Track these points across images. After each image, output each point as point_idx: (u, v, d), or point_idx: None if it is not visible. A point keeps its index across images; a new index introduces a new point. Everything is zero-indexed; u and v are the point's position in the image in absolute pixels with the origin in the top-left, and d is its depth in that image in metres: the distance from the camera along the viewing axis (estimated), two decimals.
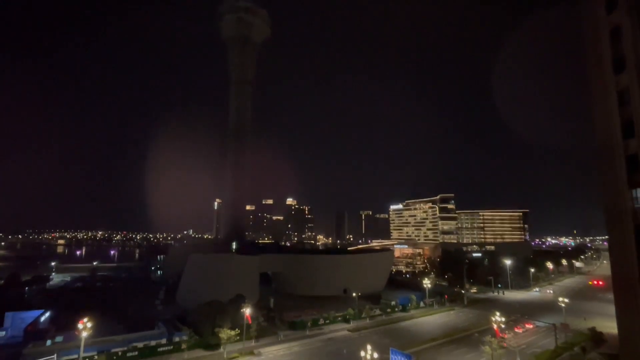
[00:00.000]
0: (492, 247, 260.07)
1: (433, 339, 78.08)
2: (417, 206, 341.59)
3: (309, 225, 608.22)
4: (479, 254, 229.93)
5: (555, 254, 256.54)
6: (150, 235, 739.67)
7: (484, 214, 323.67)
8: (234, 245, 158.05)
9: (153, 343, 67.88)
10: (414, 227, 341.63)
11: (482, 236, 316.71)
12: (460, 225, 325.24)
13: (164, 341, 69.06)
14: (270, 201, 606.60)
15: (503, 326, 66.88)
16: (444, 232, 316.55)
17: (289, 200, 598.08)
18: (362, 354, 45.06)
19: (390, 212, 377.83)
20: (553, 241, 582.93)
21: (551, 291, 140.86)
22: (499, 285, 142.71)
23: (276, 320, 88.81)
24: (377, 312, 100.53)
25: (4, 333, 73.67)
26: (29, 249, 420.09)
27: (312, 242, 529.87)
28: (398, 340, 75.91)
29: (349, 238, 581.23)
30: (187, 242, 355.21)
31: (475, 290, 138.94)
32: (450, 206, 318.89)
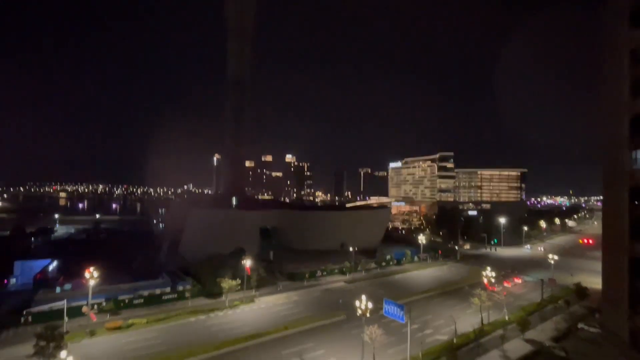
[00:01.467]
0: (488, 206, 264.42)
1: (425, 291, 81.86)
2: (416, 164, 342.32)
3: (308, 182, 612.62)
4: (475, 212, 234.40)
5: (549, 213, 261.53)
6: (151, 190, 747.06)
7: (482, 173, 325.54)
8: (234, 201, 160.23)
9: (158, 291, 71.08)
10: (412, 185, 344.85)
11: (478, 195, 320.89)
12: (457, 184, 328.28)
13: (168, 290, 72.31)
14: (269, 158, 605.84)
15: (493, 280, 69.77)
16: (442, 191, 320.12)
17: (288, 157, 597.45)
18: (357, 303, 47.44)
19: (389, 170, 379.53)
20: (548, 201, 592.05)
21: (542, 249, 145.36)
22: (492, 242, 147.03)
23: (275, 272, 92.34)
24: (373, 265, 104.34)
25: (14, 280, 76.86)
26: (31, 202, 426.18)
27: (311, 198, 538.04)
28: (392, 291, 79.54)
29: (348, 195, 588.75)
30: (187, 197, 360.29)
31: (468, 247, 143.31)
32: (449, 165, 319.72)
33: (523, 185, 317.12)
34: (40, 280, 77.50)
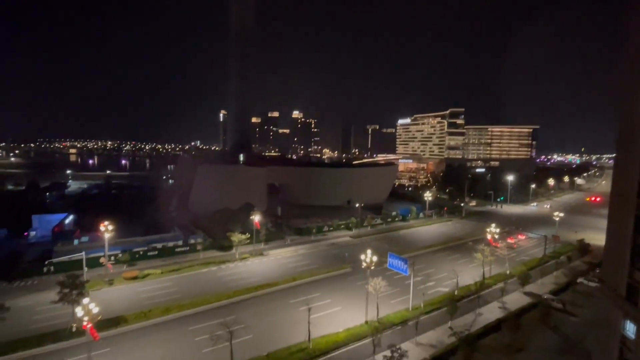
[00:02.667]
0: (496, 164, 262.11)
1: (429, 246, 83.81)
2: (425, 121, 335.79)
3: (315, 138, 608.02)
4: (483, 170, 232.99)
5: (558, 171, 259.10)
6: (159, 146, 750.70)
7: (493, 129, 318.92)
8: (241, 157, 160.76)
9: (171, 244, 73.85)
10: (420, 142, 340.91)
11: (488, 152, 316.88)
12: (467, 141, 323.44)
13: (180, 243, 75.06)
14: (276, 114, 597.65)
15: (497, 236, 70.88)
16: (450, 148, 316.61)
17: (295, 113, 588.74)
18: (362, 257, 48.96)
19: (398, 127, 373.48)
20: (559, 158, 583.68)
21: (548, 206, 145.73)
22: (499, 200, 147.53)
23: (283, 227, 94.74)
24: (378, 221, 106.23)
25: (34, 233, 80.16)
26: (42, 158, 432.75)
27: (318, 155, 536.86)
28: (396, 246, 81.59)
29: (355, 152, 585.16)
30: (195, 153, 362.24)
31: (474, 204, 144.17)
32: (459, 121, 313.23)
33: (534, 143, 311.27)
34: (59, 233, 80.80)
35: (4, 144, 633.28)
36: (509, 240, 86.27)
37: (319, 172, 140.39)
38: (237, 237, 71.17)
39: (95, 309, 32.05)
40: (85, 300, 33.25)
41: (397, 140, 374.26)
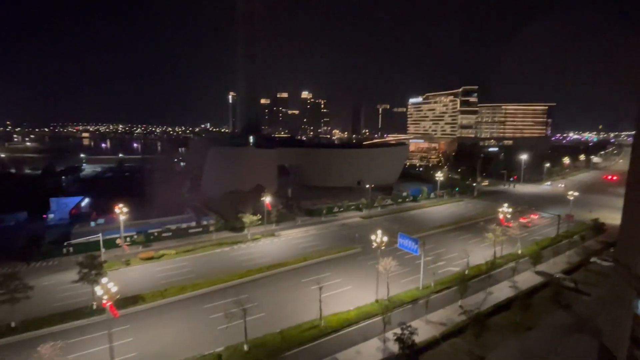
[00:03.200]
0: (510, 142, 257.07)
1: (440, 226, 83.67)
2: (438, 99, 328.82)
3: (325, 119, 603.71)
4: (496, 149, 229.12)
5: (574, 149, 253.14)
6: (170, 129, 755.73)
7: (507, 107, 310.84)
8: (251, 139, 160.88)
9: (184, 226, 75.29)
10: (431, 122, 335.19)
11: (501, 131, 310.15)
12: (480, 120, 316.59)
13: (193, 224, 76.45)
14: (285, 94, 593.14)
15: (509, 216, 70.22)
16: (463, 127, 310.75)
17: (305, 94, 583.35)
18: (373, 237, 49.21)
19: (409, 106, 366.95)
20: (575, 136, 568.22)
21: (563, 185, 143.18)
22: (511, 179, 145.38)
23: (294, 208, 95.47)
24: (389, 202, 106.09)
25: (52, 215, 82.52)
26: (56, 142, 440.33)
27: (328, 136, 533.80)
28: (407, 226, 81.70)
29: (365, 132, 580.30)
30: (205, 136, 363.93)
31: (486, 183, 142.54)
32: (473, 99, 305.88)
33: (549, 120, 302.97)
34: (75, 215, 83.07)
35: (19, 129, 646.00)
36: (522, 220, 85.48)
37: (329, 153, 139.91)
38: (248, 218, 72.09)
39: (114, 288, 33.14)
40: (104, 280, 34.40)
41: (408, 119, 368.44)
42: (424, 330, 40.23)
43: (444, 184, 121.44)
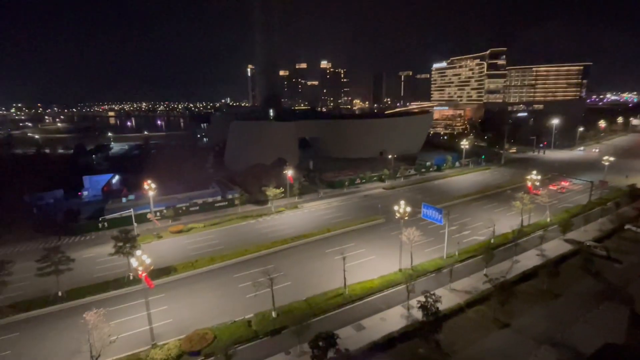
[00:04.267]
0: (541, 107, 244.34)
1: (465, 195, 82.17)
2: (463, 63, 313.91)
3: (345, 89, 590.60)
4: (525, 114, 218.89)
5: (611, 111, 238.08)
6: (191, 105, 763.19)
7: (538, 69, 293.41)
8: (271, 113, 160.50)
9: (210, 200, 77.46)
10: (457, 87, 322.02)
11: (531, 95, 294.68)
12: (508, 83, 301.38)
13: (219, 198, 78.50)
14: (303, 65, 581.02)
15: (537, 184, 67.88)
16: (490, 92, 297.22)
17: (324, 63, 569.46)
18: (396, 207, 49.00)
19: (433, 72, 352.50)
20: (613, 97, 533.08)
21: (597, 150, 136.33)
22: (541, 145, 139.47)
23: (316, 180, 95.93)
24: (412, 172, 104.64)
25: (86, 193, 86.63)
26: (85, 122, 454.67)
27: (348, 107, 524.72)
28: (431, 196, 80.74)
29: (387, 101, 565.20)
30: (226, 111, 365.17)
31: (514, 150, 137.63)
32: (501, 62, 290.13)
33: (584, 82, 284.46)
34: (107, 192, 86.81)
35: (49, 110, 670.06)
36: (551, 187, 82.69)
37: (349, 124, 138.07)
38: (271, 191, 73.18)
39: (147, 260, 34.88)
40: (138, 252, 36.19)
41: (432, 86, 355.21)
42: (448, 298, 40.51)
43: (470, 152, 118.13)
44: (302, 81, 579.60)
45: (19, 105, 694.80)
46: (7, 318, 39.58)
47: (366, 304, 41.18)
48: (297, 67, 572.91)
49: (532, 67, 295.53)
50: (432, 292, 35.40)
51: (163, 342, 34.12)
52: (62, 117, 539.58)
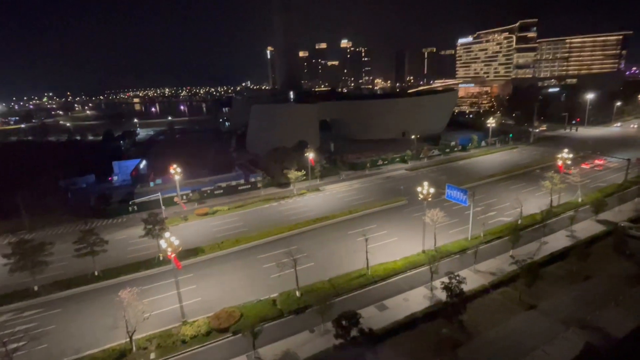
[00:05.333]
0: (574, 81, 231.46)
1: (491, 175, 79.92)
2: (490, 37, 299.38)
3: (366, 69, 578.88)
4: (556, 89, 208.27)
5: None
6: (212, 89, 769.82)
7: (572, 41, 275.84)
8: (291, 95, 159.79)
9: (234, 183, 78.95)
10: (483, 63, 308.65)
11: (564, 68, 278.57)
12: (539, 57, 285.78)
13: (242, 181, 79.90)
14: (323, 45, 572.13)
15: (569, 162, 65.04)
16: (519, 67, 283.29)
17: (344, 43, 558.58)
18: (419, 189, 48.34)
19: (458, 48, 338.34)
20: None
21: (636, 125, 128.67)
22: (574, 122, 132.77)
23: (337, 162, 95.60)
24: (436, 152, 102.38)
25: (116, 177, 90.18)
26: (111, 108, 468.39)
27: (370, 86, 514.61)
28: (455, 177, 79.00)
29: (410, 80, 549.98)
30: (247, 94, 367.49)
31: (544, 128, 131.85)
32: (531, 34, 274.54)
33: (623, 52, 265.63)
34: (136, 176, 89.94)
35: (78, 98, 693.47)
36: (584, 166, 79.08)
37: (371, 104, 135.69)
38: (293, 174, 73.63)
39: (176, 242, 36.19)
40: (167, 234, 37.58)
41: (457, 62, 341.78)
42: (472, 279, 40.09)
43: (497, 131, 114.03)
44: (322, 62, 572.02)
45: (51, 94, 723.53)
46: (51, 295, 42.41)
47: (389, 284, 41.39)
48: (316, 47, 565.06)
49: (565, 39, 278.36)
50: (456, 273, 35.11)
51: (193, 319, 35.71)
52: (90, 104, 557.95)
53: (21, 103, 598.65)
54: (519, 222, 53.48)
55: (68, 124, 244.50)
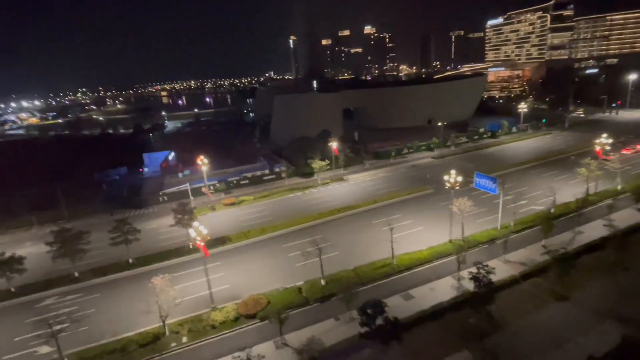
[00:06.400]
0: (614, 61, 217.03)
1: (522, 163, 76.99)
2: (522, 18, 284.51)
3: (391, 55, 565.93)
4: (595, 70, 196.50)
5: None
6: (237, 81, 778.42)
7: (612, 17, 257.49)
8: (314, 84, 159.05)
9: (259, 173, 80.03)
10: (514, 45, 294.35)
11: (604, 48, 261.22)
12: (575, 37, 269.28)
13: (267, 171, 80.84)
14: (346, 32, 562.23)
15: (608, 148, 61.49)
16: (553, 48, 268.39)
17: (367, 29, 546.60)
18: (446, 177, 47.22)
19: (487, 30, 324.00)
20: None
21: None
22: (614, 105, 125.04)
23: (361, 151, 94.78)
24: (463, 139, 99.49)
25: (147, 169, 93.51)
26: (140, 102, 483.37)
27: (395, 73, 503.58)
28: (484, 165, 76.59)
29: (436, 65, 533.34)
30: (270, 85, 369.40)
31: (581, 112, 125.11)
32: (567, 12, 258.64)
33: None
34: (165, 168, 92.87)
35: (109, 93, 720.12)
36: (625, 152, 74.57)
37: (395, 91, 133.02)
38: (317, 163, 73.73)
39: (204, 231, 37.25)
40: (196, 224, 38.70)
41: (486, 45, 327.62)
42: (501, 269, 39.01)
43: (529, 116, 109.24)
44: (346, 49, 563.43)
45: (84, 89, 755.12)
46: (90, 281, 44.93)
47: (415, 274, 41.01)
48: (339, 34, 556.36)
49: (605, 16, 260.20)
50: (484, 263, 34.29)
51: (222, 306, 36.86)
52: (120, 99, 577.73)
53: (57, 99, 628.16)
54: (552, 210, 51.36)
55: (101, 118, 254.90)
